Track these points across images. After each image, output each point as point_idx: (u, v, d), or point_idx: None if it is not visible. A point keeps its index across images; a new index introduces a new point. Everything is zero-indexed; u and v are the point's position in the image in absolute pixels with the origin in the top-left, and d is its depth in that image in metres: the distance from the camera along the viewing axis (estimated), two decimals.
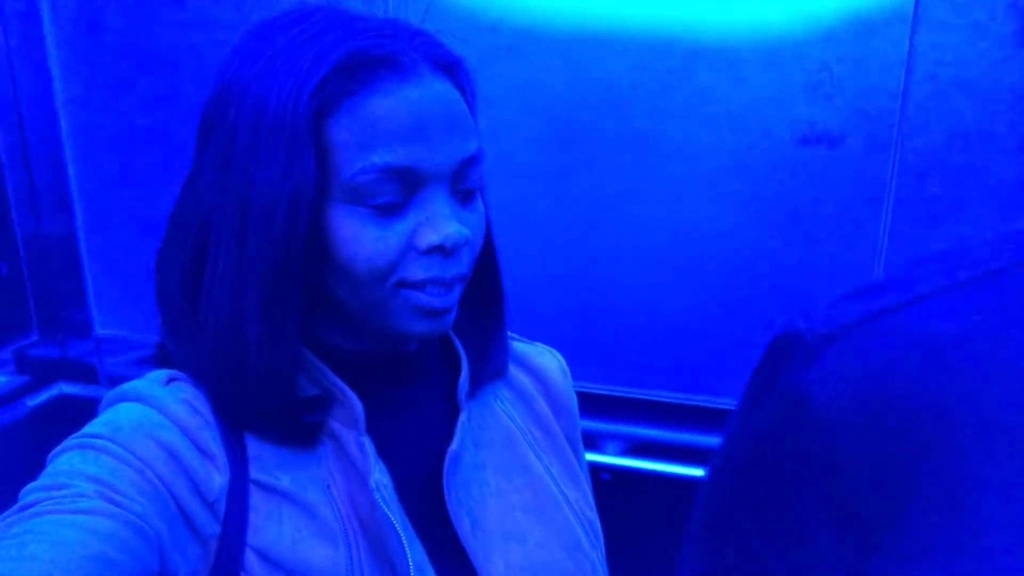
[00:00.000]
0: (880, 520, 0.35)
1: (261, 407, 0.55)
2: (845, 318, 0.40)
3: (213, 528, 0.53)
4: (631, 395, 1.38)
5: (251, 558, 0.53)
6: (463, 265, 0.55)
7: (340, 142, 0.51)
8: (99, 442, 0.50)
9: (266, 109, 0.51)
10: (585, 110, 1.28)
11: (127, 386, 0.55)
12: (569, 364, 0.74)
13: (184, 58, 1.39)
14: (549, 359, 0.73)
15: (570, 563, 0.61)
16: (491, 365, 0.66)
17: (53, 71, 1.46)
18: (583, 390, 0.73)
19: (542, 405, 0.69)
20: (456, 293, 0.56)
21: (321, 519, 0.55)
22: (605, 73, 1.25)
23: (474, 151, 0.54)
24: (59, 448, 0.51)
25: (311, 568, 0.53)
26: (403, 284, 0.53)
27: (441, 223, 0.52)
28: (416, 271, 0.53)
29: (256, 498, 0.54)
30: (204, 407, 0.55)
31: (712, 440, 1.38)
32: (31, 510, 0.46)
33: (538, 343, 0.74)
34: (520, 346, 0.72)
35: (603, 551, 0.67)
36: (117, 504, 0.47)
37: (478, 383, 0.65)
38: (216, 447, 0.54)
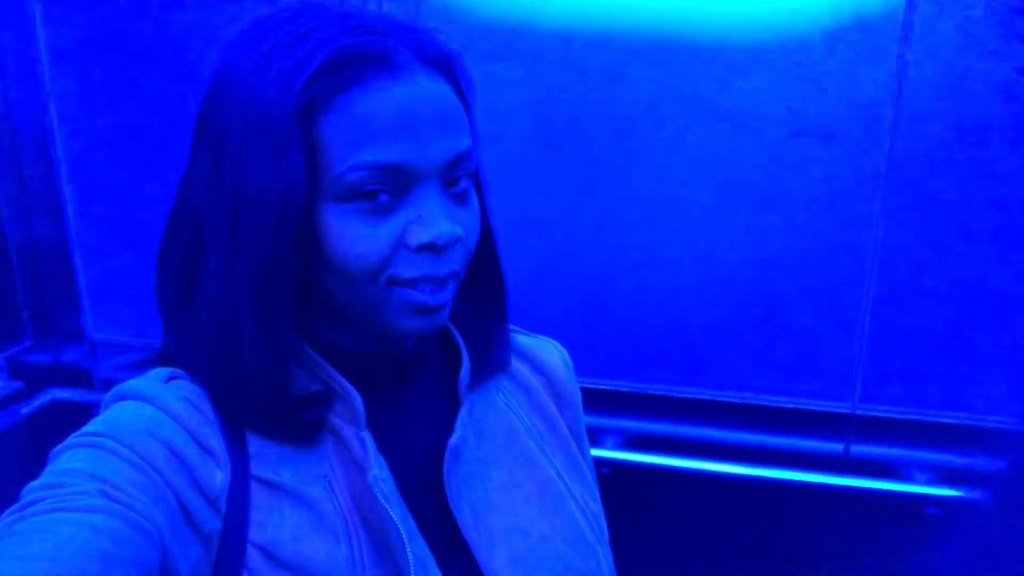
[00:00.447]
0: None
1: (258, 404, 0.55)
2: None
3: (214, 525, 0.52)
4: (629, 389, 1.38)
5: (253, 554, 0.53)
6: (456, 263, 0.55)
7: (330, 140, 0.51)
8: (100, 440, 0.50)
9: (256, 107, 0.51)
10: (581, 107, 1.28)
11: (128, 384, 0.55)
12: None
13: (178, 60, 1.39)
14: (552, 352, 0.73)
15: (574, 556, 0.61)
16: (493, 360, 0.66)
17: (45, 74, 1.45)
18: (581, 385, 0.73)
19: (545, 398, 0.69)
20: (450, 290, 0.55)
21: (322, 515, 0.54)
22: (600, 70, 1.25)
23: (466, 148, 0.54)
24: (60, 446, 0.51)
25: (313, 564, 0.53)
26: (395, 282, 0.53)
27: (432, 221, 0.52)
28: (407, 269, 0.53)
29: (257, 494, 0.54)
30: (204, 404, 0.55)
31: (710, 433, 1.38)
32: (32, 508, 0.45)
33: (541, 336, 0.74)
34: (523, 339, 0.72)
35: (608, 544, 0.67)
36: (118, 502, 0.47)
37: (480, 378, 0.65)
38: (217, 444, 0.54)
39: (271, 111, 0.51)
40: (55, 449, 0.51)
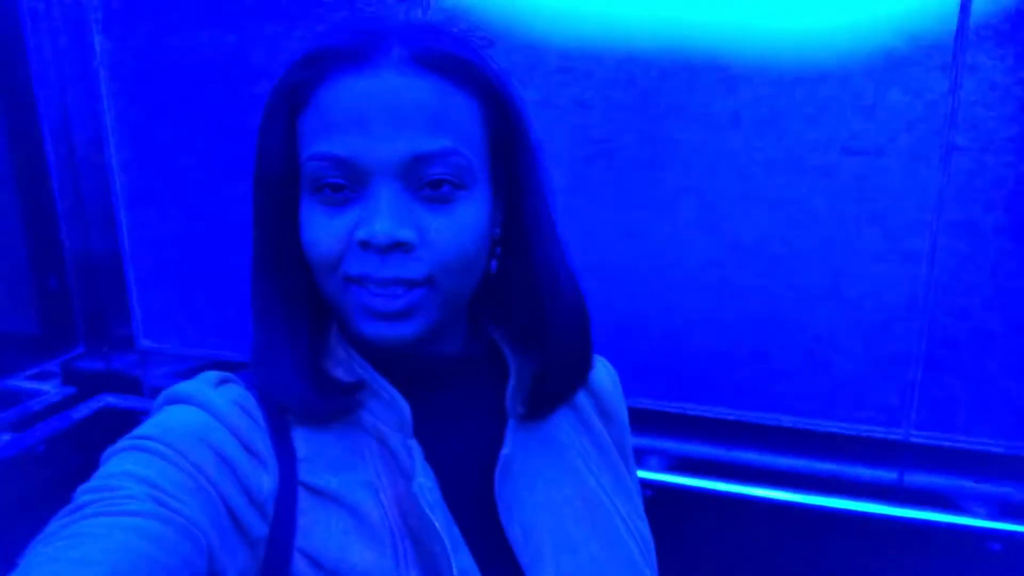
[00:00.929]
0: None
1: (287, 387, 0.56)
2: None
3: (261, 530, 0.52)
4: (675, 410, 1.36)
5: (299, 561, 0.53)
6: (408, 270, 0.52)
7: (303, 133, 0.54)
8: (150, 444, 0.51)
9: (265, 103, 0.56)
10: (628, 123, 1.27)
11: (179, 388, 0.56)
12: None
13: (232, 75, 1.42)
14: (600, 370, 0.71)
15: None
16: (548, 389, 0.62)
17: (101, 87, 1.49)
18: (627, 404, 0.72)
19: (593, 416, 0.68)
20: (409, 298, 0.52)
21: (368, 523, 0.54)
22: (649, 87, 1.24)
23: (436, 149, 0.51)
24: (112, 449, 0.51)
25: (358, 571, 0.52)
26: (349, 279, 0.53)
27: (371, 219, 0.51)
28: (354, 265, 0.53)
29: (304, 501, 0.54)
30: (254, 409, 0.55)
31: (757, 457, 1.35)
32: (82, 512, 0.46)
33: None
34: None
35: (655, 564, 0.65)
36: (166, 506, 0.47)
37: (537, 406, 0.62)
38: (265, 449, 0.54)
39: (266, 105, 0.55)
40: (107, 451, 0.52)
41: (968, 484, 1.27)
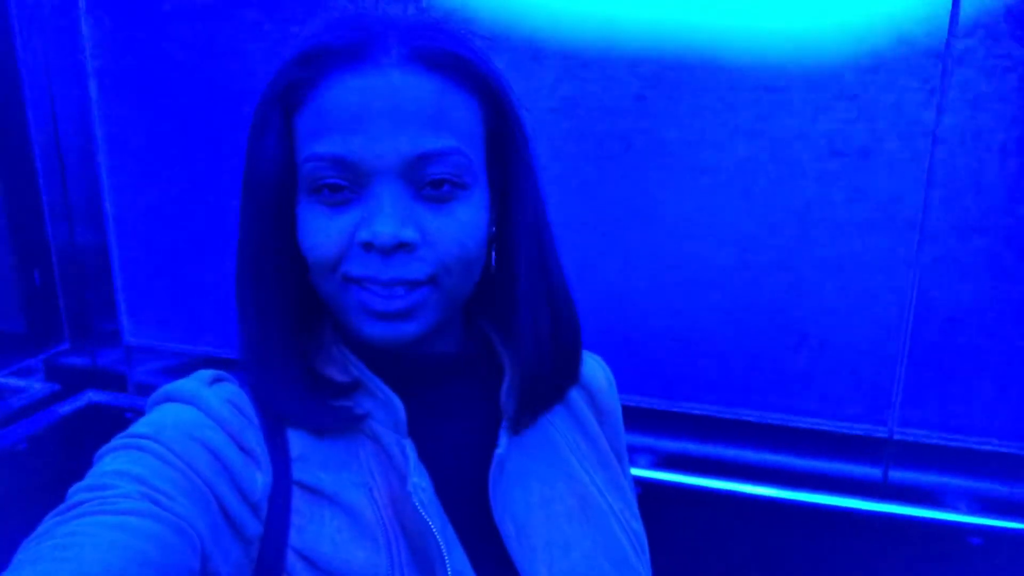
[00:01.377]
0: None
1: (282, 392, 0.56)
2: None
3: (255, 529, 0.52)
4: (663, 407, 1.37)
5: (293, 559, 0.53)
6: (411, 270, 0.51)
7: (300, 132, 0.53)
8: (143, 442, 0.50)
9: (257, 102, 0.55)
10: (617, 124, 1.27)
11: (172, 386, 0.55)
12: None
13: (220, 71, 1.41)
14: (594, 367, 0.71)
15: (616, 574, 0.60)
16: (540, 389, 0.61)
17: (89, 82, 1.48)
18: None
19: (587, 414, 0.68)
20: (412, 298, 0.52)
21: (363, 521, 0.54)
22: (638, 87, 1.25)
23: (438, 148, 0.51)
24: (105, 447, 0.51)
25: (352, 570, 0.52)
26: (348, 279, 0.53)
27: (374, 220, 0.50)
28: (356, 267, 0.52)
29: (299, 499, 0.54)
30: (247, 407, 0.55)
31: (744, 454, 1.36)
32: (75, 511, 0.46)
33: (583, 351, 0.72)
34: None
35: (648, 562, 0.66)
36: (159, 505, 0.47)
37: (527, 408, 0.62)
38: (259, 448, 0.54)
39: (258, 104, 0.54)
40: (100, 450, 0.51)
41: (950, 480, 1.29)
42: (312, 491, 0.54)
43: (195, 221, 1.49)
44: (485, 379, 0.63)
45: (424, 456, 0.57)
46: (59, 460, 1.48)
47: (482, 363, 0.63)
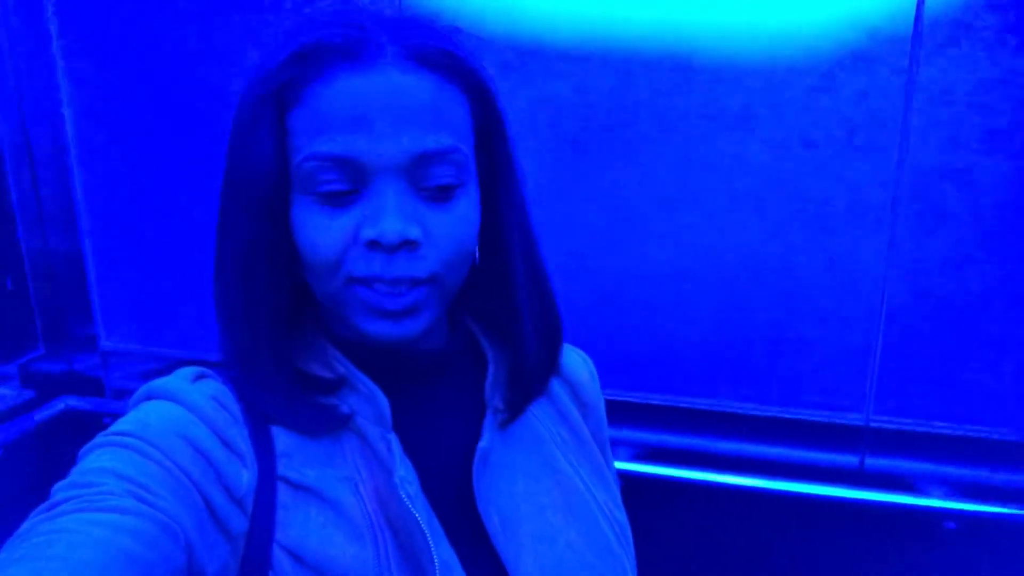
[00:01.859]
0: None
1: (270, 392, 0.56)
2: None
3: (241, 525, 0.52)
4: (641, 400, 1.38)
5: (279, 555, 0.53)
6: (415, 268, 0.52)
7: (295, 131, 0.52)
8: (127, 439, 0.50)
9: (241, 99, 0.54)
10: (593, 119, 1.28)
11: (155, 383, 0.55)
12: None
13: (192, 73, 1.40)
14: (577, 361, 0.72)
15: (601, 565, 0.61)
16: (525, 380, 0.63)
17: (59, 84, 1.46)
18: None
19: (570, 407, 0.69)
20: (415, 296, 0.53)
21: (348, 516, 0.54)
22: (613, 84, 1.26)
23: (439, 146, 0.51)
24: (89, 445, 0.51)
25: (339, 565, 0.52)
26: (352, 279, 0.52)
27: (379, 218, 0.50)
28: (361, 267, 0.52)
29: (284, 495, 0.54)
30: (231, 403, 0.55)
31: (723, 445, 1.38)
32: (59, 508, 0.45)
33: (566, 344, 0.73)
34: None
35: (633, 553, 0.66)
36: (145, 501, 0.47)
37: (514, 398, 0.63)
38: (243, 443, 0.54)
39: (247, 101, 0.53)
40: (84, 448, 0.51)
41: (926, 466, 1.32)
42: (297, 487, 0.54)
43: (170, 224, 1.47)
44: (469, 373, 0.63)
45: (409, 450, 0.57)
46: (37, 467, 1.46)
47: (466, 358, 0.64)
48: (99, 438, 0.51)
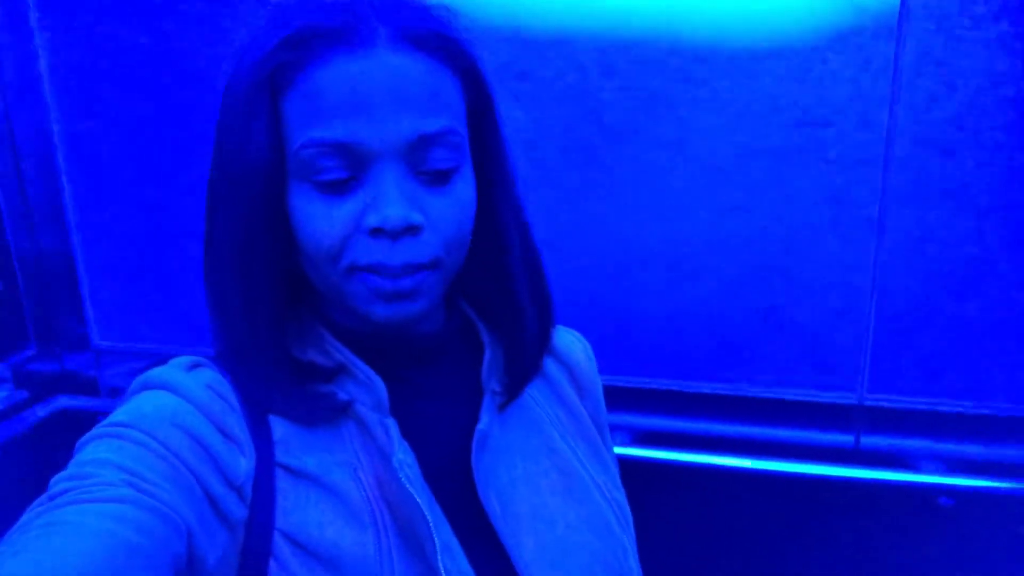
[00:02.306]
0: None
1: (266, 382, 0.55)
2: None
3: (241, 513, 0.52)
4: (635, 385, 1.38)
5: (280, 542, 0.53)
6: (418, 253, 0.52)
7: (290, 117, 0.51)
8: (124, 430, 0.50)
9: (231, 85, 0.53)
10: (579, 101, 1.28)
11: (151, 373, 0.55)
12: None
13: (179, 69, 1.39)
14: (574, 343, 0.72)
15: (600, 545, 0.61)
16: (523, 362, 0.64)
17: (44, 83, 1.45)
18: None
19: (567, 389, 0.69)
20: (417, 280, 0.52)
21: (348, 502, 0.54)
22: (598, 68, 1.25)
23: (437, 129, 0.51)
24: (85, 437, 0.51)
25: (340, 551, 0.52)
26: (355, 268, 0.52)
27: (382, 204, 0.50)
28: (364, 254, 0.51)
29: (283, 482, 0.54)
30: (227, 392, 0.55)
31: (718, 427, 1.38)
32: (56, 500, 0.45)
33: (562, 327, 0.73)
34: None
35: (632, 533, 0.67)
36: (143, 492, 0.46)
37: (512, 379, 0.63)
38: (241, 431, 0.54)
39: (239, 88, 0.52)
40: (81, 439, 0.51)
41: (920, 443, 1.33)
42: (296, 473, 0.54)
43: (161, 220, 1.46)
44: (465, 357, 0.64)
45: (407, 435, 0.57)
46: (33, 467, 1.45)
47: (462, 341, 0.64)
48: (96, 429, 0.51)
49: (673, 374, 1.37)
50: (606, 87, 1.26)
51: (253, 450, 0.53)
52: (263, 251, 0.53)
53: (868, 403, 1.32)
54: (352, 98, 0.49)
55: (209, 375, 0.56)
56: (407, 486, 0.53)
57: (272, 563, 0.52)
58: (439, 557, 0.53)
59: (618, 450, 1.34)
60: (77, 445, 0.51)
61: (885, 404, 1.32)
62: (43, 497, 0.46)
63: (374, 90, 0.49)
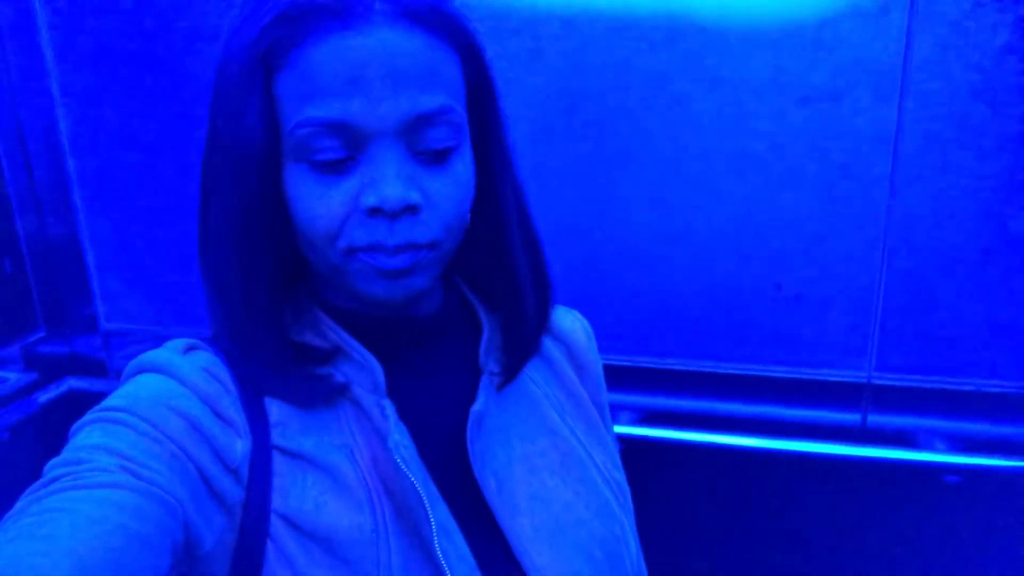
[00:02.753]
0: None
1: (262, 364, 0.55)
2: None
3: (237, 495, 0.52)
4: (642, 364, 1.38)
5: (276, 523, 0.53)
6: (417, 233, 0.51)
7: (285, 95, 0.50)
8: (118, 415, 0.50)
9: (224, 63, 0.52)
10: (588, 86, 1.26)
11: (146, 356, 0.55)
12: None
13: (186, 51, 1.38)
14: (573, 322, 0.72)
15: (598, 524, 0.61)
16: (522, 341, 0.63)
17: (50, 67, 1.44)
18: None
19: (566, 369, 0.69)
20: (418, 257, 0.52)
21: (345, 483, 0.54)
22: (600, 47, 1.24)
23: (435, 107, 0.50)
24: (80, 422, 0.51)
25: (336, 532, 0.53)
26: (353, 249, 0.51)
27: (380, 184, 0.49)
28: (362, 235, 0.51)
29: (279, 464, 0.54)
30: (223, 374, 0.55)
31: (725, 406, 1.38)
32: (52, 486, 0.45)
33: (561, 307, 0.72)
34: None
35: (631, 512, 0.67)
36: (138, 476, 0.46)
37: (510, 357, 0.63)
38: (236, 414, 0.54)
39: (232, 66, 0.51)
40: (75, 424, 0.51)
41: (928, 421, 1.32)
42: (292, 455, 0.54)
43: (168, 202, 1.46)
44: (463, 337, 0.63)
45: (404, 416, 0.57)
46: (42, 448, 1.47)
47: (460, 321, 0.64)
48: (90, 414, 0.51)
49: (681, 354, 1.37)
50: (608, 63, 1.25)
51: (249, 432, 0.53)
52: (259, 233, 0.52)
53: (875, 382, 1.31)
54: (348, 76, 0.48)
55: (205, 357, 0.56)
56: (403, 467, 0.53)
57: (269, 545, 0.52)
58: (435, 537, 0.53)
59: (625, 430, 1.35)
60: (72, 429, 0.51)
61: (892, 383, 1.31)
62: (37, 484, 0.46)
63: (370, 67, 0.48)
